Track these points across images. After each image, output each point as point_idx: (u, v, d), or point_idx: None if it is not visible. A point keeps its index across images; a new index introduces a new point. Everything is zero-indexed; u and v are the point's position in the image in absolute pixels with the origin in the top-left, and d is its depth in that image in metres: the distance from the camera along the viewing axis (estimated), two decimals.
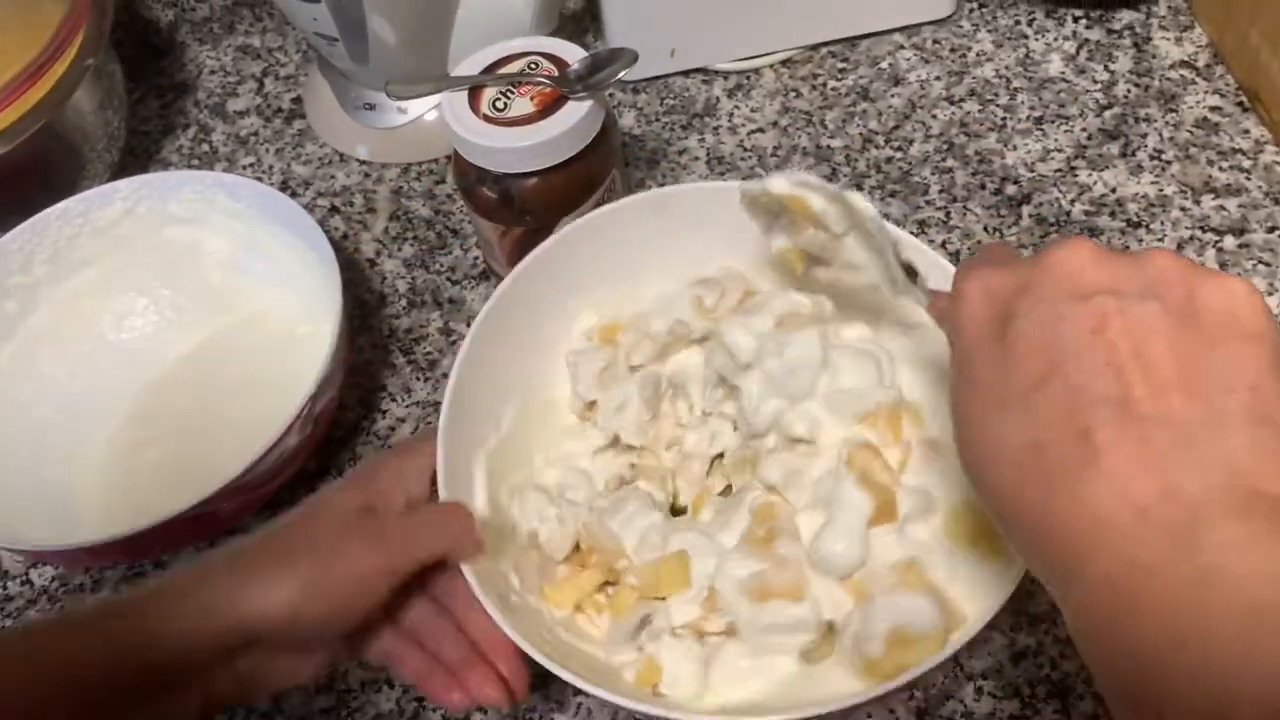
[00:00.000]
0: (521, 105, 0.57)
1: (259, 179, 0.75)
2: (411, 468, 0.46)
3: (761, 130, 0.73)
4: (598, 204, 0.60)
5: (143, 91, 0.82)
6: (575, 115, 0.56)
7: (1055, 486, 0.29)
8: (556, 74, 0.58)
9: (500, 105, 0.57)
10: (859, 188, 0.69)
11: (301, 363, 0.60)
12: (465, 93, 0.58)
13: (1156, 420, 0.28)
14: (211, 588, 0.41)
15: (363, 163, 0.75)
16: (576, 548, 0.50)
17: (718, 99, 0.75)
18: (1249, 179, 0.66)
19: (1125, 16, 0.75)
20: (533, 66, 0.58)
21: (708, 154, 0.72)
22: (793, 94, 0.74)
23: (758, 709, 0.44)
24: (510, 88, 0.58)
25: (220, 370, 0.65)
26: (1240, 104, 0.69)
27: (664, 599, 0.46)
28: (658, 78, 0.76)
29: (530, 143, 0.56)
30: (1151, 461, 0.28)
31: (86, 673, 0.39)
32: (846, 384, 0.46)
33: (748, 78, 0.76)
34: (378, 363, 0.65)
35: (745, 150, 0.72)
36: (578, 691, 0.52)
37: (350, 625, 0.43)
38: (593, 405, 0.54)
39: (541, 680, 0.53)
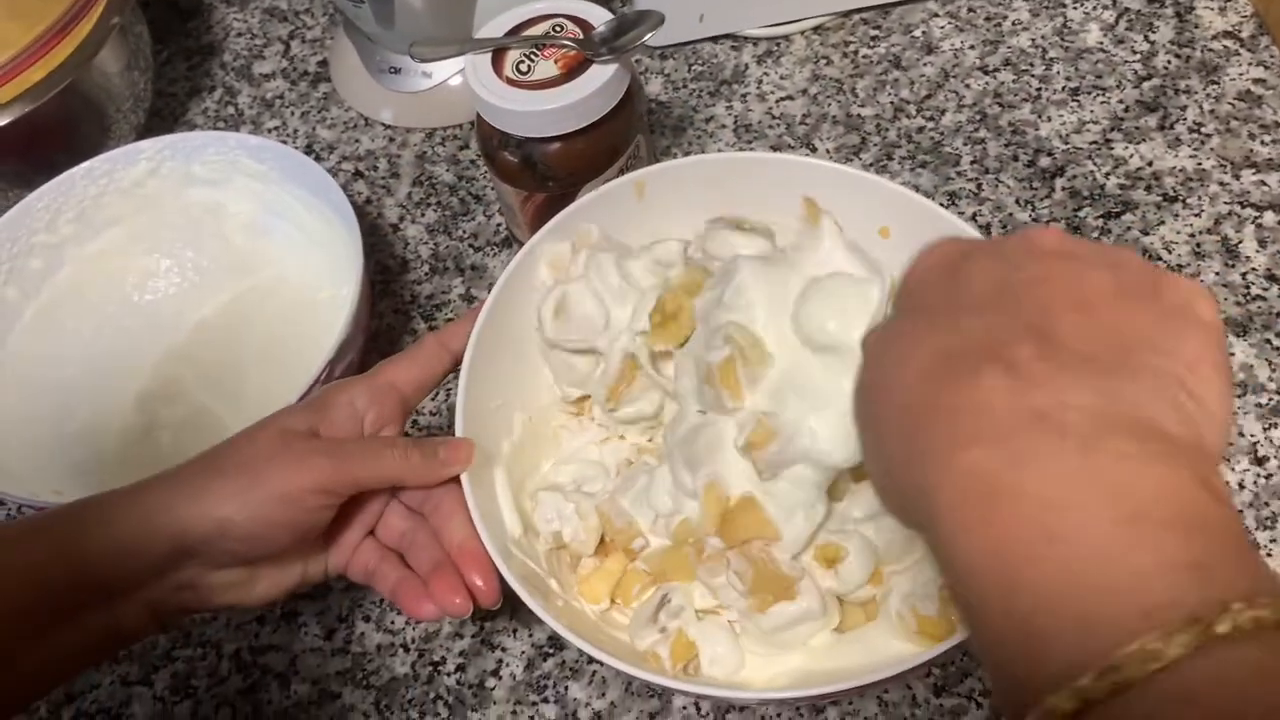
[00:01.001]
0: (546, 68, 0.56)
1: (283, 142, 0.74)
2: (362, 395, 0.46)
3: (790, 98, 0.72)
4: (621, 171, 0.59)
5: (170, 53, 0.82)
6: (599, 79, 0.55)
7: (953, 380, 0.28)
8: (581, 36, 0.57)
9: (524, 68, 0.56)
10: (889, 158, 0.67)
11: (322, 327, 0.60)
12: (489, 55, 0.57)
13: (1076, 355, 0.27)
14: (146, 499, 0.42)
15: (387, 127, 0.74)
16: (604, 541, 0.49)
17: (746, 66, 0.74)
18: None
19: None
20: (558, 29, 0.58)
21: (735, 122, 0.71)
22: (823, 61, 0.73)
23: (805, 680, 0.44)
24: (534, 50, 0.57)
25: (242, 332, 0.65)
26: None
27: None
28: (686, 44, 0.75)
29: (553, 106, 0.55)
30: (1058, 380, 0.27)
31: (6, 581, 0.39)
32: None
33: (778, 44, 0.74)
34: (399, 328, 0.65)
35: (774, 118, 0.71)
36: (591, 660, 0.52)
37: (282, 543, 0.43)
38: (582, 401, 0.53)
39: (556, 646, 0.53)
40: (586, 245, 0.53)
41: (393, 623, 0.55)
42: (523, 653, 0.54)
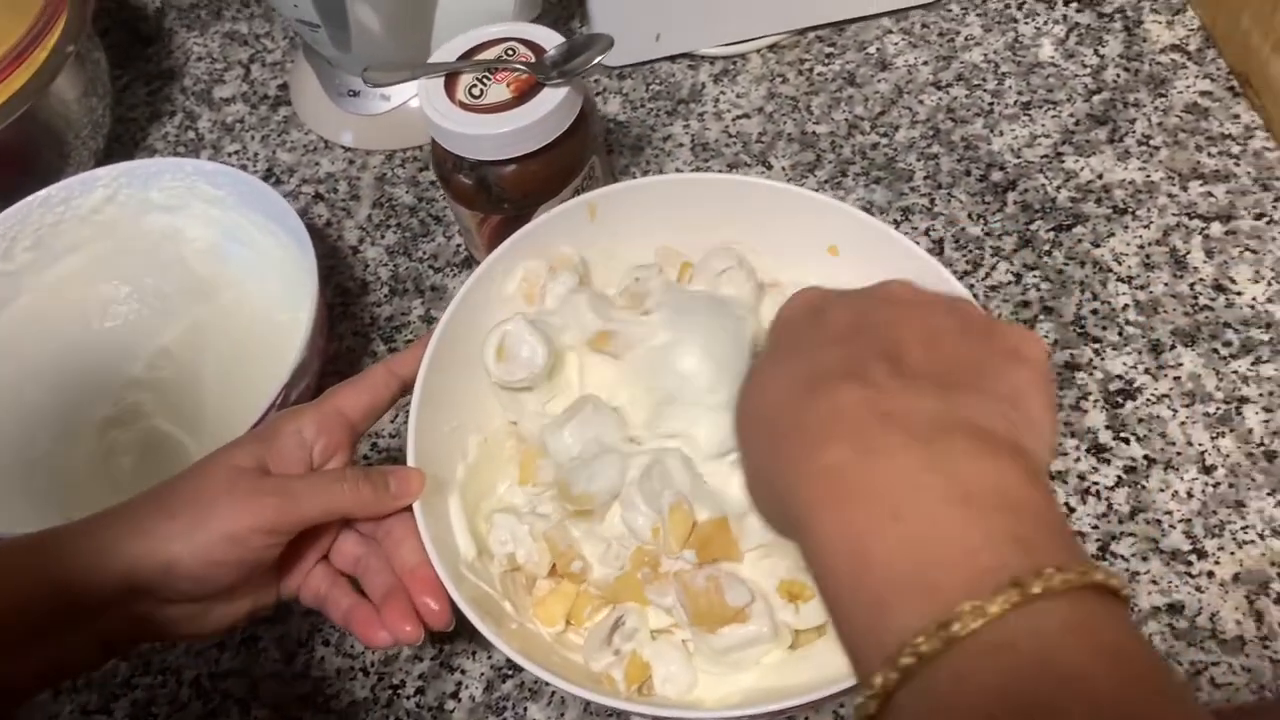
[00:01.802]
0: (498, 92, 0.57)
1: (244, 166, 0.75)
2: (310, 424, 0.46)
3: (747, 116, 0.72)
4: (577, 191, 0.60)
5: (129, 78, 0.82)
6: (551, 102, 0.56)
7: (812, 397, 0.31)
8: (533, 60, 0.57)
9: (476, 92, 0.57)
10: (844, 174, 0.68)
11: (280, 350, 0.60)
12: (442, 79, 0.58)
13: (921, 375, 0.31)
14: (97, 536, 0.42)
15: (347, 150, 0.75)
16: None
17: (704, 85, 0.74)
18: (1238, 165, 0.65)
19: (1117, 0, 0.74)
20: (510, 53, 0.58)
21: (692, 140, 0.72)
22: (779, 79, 0.74)
23: (758, 697, 0.44)
24: (487, 74, 0.57)
25: (201, 358, 0.65)
26: (1231, 89, 0.68)
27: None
28: (644, 63, 0.76)
29: (506, 129, 0.55)
30: (906, 392, 0.31)
31: None
32: None
33: (734, 63, 0.75)
34: (359, 350, 0.65)
35: (730, 137, 0.71)
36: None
37: (229, 581, 0.43)
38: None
39: (515, 668, 0.53)
40: (566, 268, 0.54)
41: (352, 646, 0.55)
42: (482, 674, 0.54)
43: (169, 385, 0.64)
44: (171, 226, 0.66)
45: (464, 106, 0.56)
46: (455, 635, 0.54)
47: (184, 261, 0.67)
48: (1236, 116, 0.67)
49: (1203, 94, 0.68)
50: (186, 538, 0.42)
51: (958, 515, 0.28)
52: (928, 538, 0.28)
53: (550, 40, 0.58)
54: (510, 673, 0.53)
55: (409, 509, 0.46)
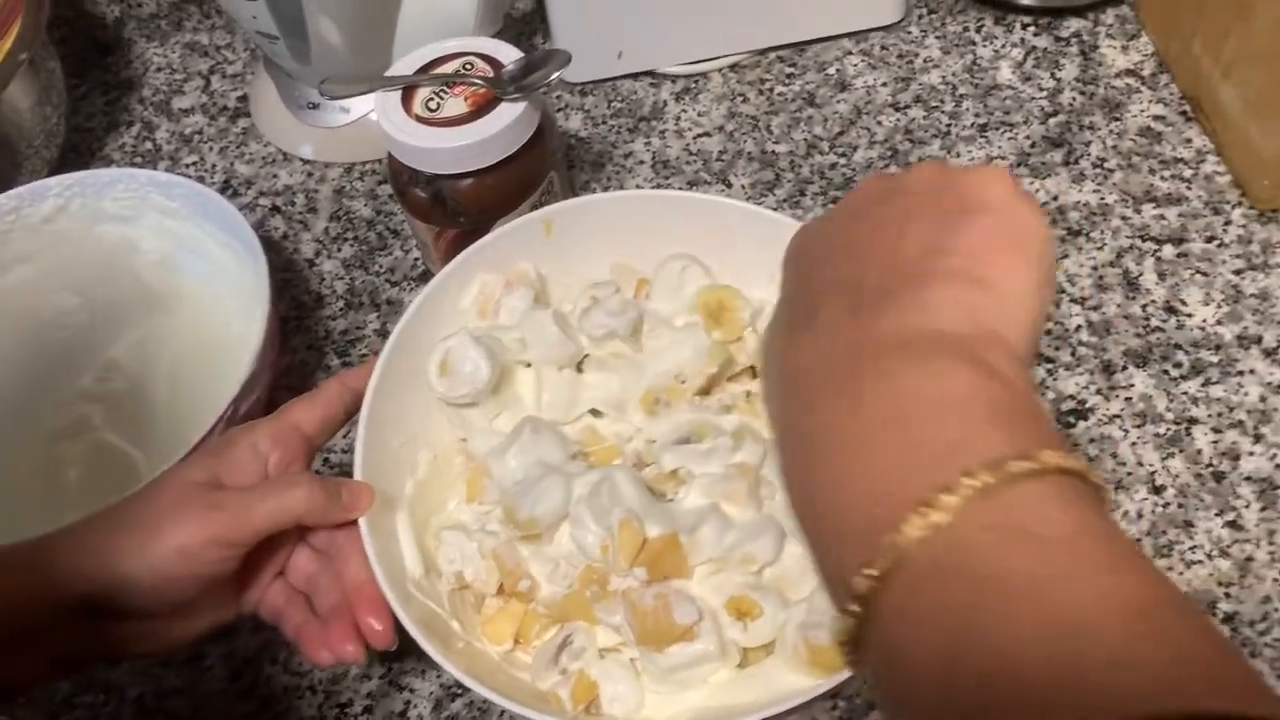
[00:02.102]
0: (455, 105, 0.56)
1: (201, 178, 0.74)
2: (265, 438, 0.46)
3: (708, 134, 0.72)
4: (535, 206, 0.60)
5: (87, 88, 0.81)
6: (508, 116, 0.56)
7: (782, 355, 0.33)
8: (491, 75, 0.57)
9: (433, 105, 0.57)
10: (802, 193, 0.68)
11: (232, 364, 0.59)
12: (399, 92, 0.57)
13: (868, 291, 0.32)
14: (51, 553, 0.42)
15: (306, 162, 0.74)
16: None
17: (665, 102, 0.74)
18: (1189, 188, 0.66)
19: (1073, 24, 0.75)
20: (468, 67, 0.58)
21: (653, 157, 0.72)
22: (740, 98, 0.74)
23: (705, 716, 0.44)
24: (444, 88, 0.57)
25: (152, 370, 0.64)
26: (1184, 113, 0.69)
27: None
28: (606, 80, 0.76)
29: (462, 143, 0.55)
30: (845, 323, 0.31)
31: None
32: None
33: (696, 81, 0.75)
34: (312, 364, 0.65)
35: (691, 154, 0.72)
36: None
37: (184, 595, 0.43)
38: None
39: (465, 686, 0.53)
40: (522, 283, 0.54)
41: (300, 664, 0.55)
42: (431, 694, 0.53)
43: (118, 397, 0.64)
44: (124, 237, 0.66)
45: (420, 120, 0.56)
46: (404, 654, 0.53)
47: (136, 273, 0.66)
48: (1189, 140, 0.68)
49: (1156, 118, 0.69)
50: (138, 554, 0.41)
51: (879, 447, 0.28)
52: (849, 483, 0.28)
53: (508, 55, 0.58)
54: (459, 692, 0.53)
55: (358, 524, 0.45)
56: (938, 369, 0.29)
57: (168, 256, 0.66)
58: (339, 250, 0.70)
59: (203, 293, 0.65)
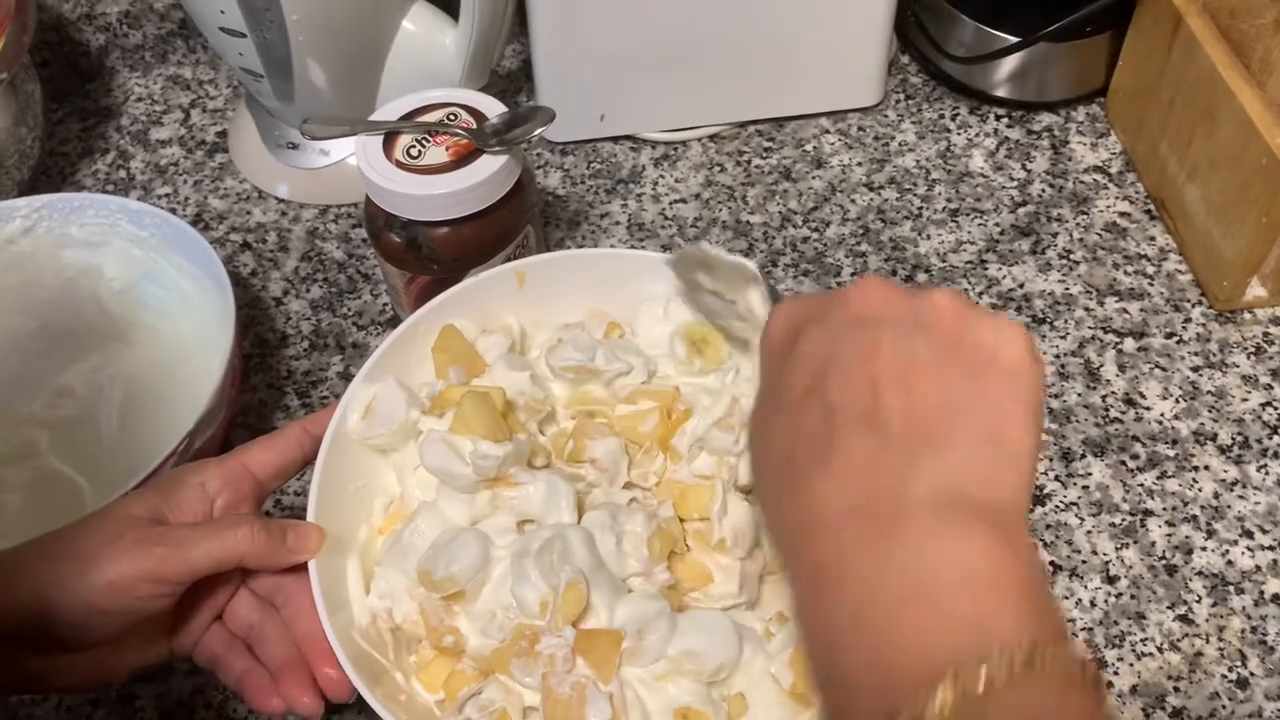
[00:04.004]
0: (436, 154, 0.57)
1: (173, 209, 0.74)
2: (214, 478, 0.45)
3: (684, 201, 0.73)
4: (509, 259, 0.60)
5: (65, 113, 0.81)
6: (488, 169, 0.56)
7: (796, 487, 0.32)
8: (474, 126, 0.58)
9: (414, 153, 0.57)
10: (774, 264, 0.69)
11: (188, 398, 0.59)
12: (381, 138, 0.58)
13: (891, 436, 0.31)
14: None
15: (281, 201, 0.74)
16: None
17: (644, 167, 0.75)
18: (1152, 284, 0.67)
19: (1045, 119, 0.76)
20: (452, 117, 0.58)
21: (629, 220, 0.72)
22: (717, 168, 0.75)
23: None
24: (426, 136, 0.57)
25: (106, 398, 0.63)
26: (1149, 212, 0.71)
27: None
28: (587, 141, 0.77)
29: (440, 191, 0.55)
30: (871, 470, 0.31)
31: None
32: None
33: (675, 149, 0.76)
34: (271, 404, 0.64)
35: (666, 219, 0.72)
36: None
37: (111, 631, 0.42)
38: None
39: None
40: (499, 329, 0.54)
41: (235, 710, 0.53)
42: None
43: (68, 424, 0.62)
44: (89, 263, 0.65)
45: (400, 165, 0.56)
46: (344, 705, 0.52)
47: (99, 300, 0.65)
48: (1152, 238, 0.69)
49: (1122, 214, 0.71)
50: (70, 585, 0.41)
51: (912, 614, 0.28)
52: (882, 639, 0.28)
53: (493, 109, 0.59)
54: None
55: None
56: (967, 537, 0.29)
57: (132, 285, 0.65)
58: (308, 291, 0.69)
59: (164, 324, 0.64)
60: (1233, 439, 0.60)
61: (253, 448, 0.47)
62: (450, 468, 0.46)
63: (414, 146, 0.57)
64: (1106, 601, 0.55)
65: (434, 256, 0.58)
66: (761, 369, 0.38)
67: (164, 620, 0.45)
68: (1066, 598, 0.55)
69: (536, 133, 0.57)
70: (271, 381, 0.65)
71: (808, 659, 0.31)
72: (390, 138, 0.57)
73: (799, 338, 0.35)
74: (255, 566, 0.45)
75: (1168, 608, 0.54)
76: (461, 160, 0.56)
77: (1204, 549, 0.56)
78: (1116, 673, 0.52)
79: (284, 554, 0.44)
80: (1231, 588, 0.55)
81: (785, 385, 0.35)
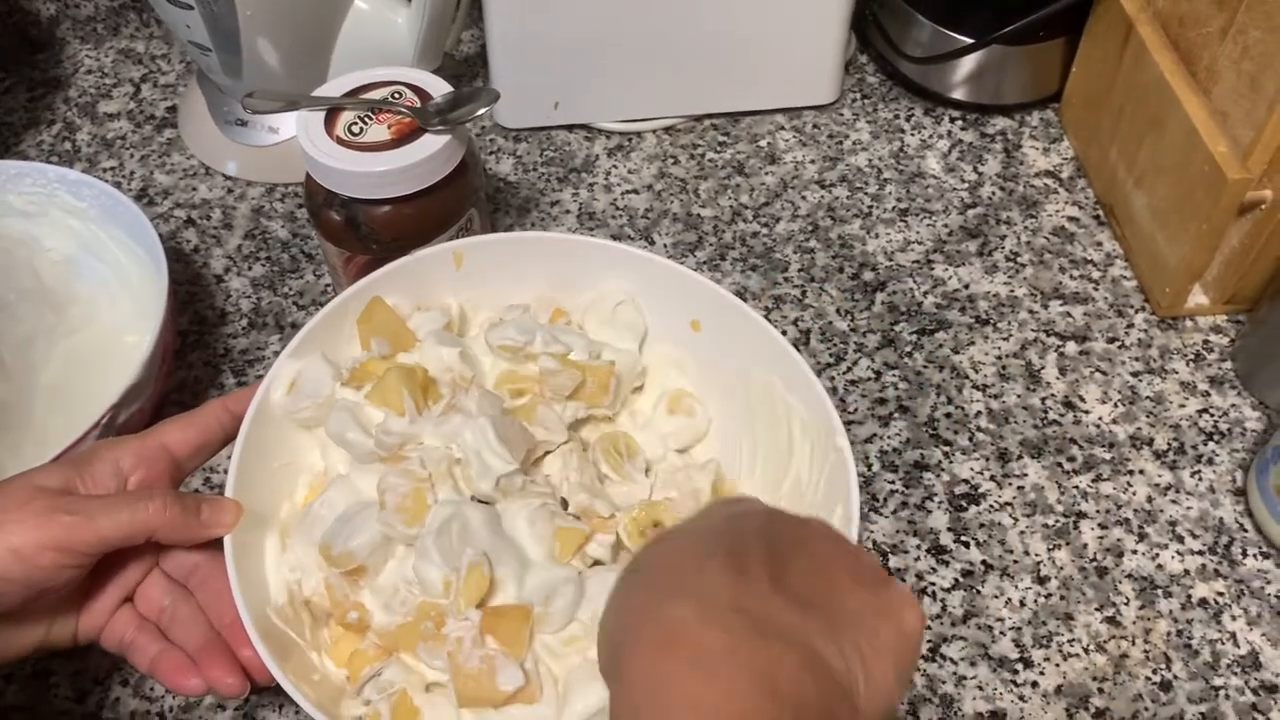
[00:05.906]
0: (378, 132, 0.56)
1: (119, 183, 0.73)
2: (129, 454, 0.44)
3: (636, 192, 0.73)
4: (450, 240, 0.59)
5: (12, 82, 0.79)
6: (430, 148, 0.55)
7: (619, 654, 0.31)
8: (417, 105, 0.57)
9: (356, 129, 0.56)
10: (722, 258, 0.69)
11: (119, 372, 0.58)
12: (323, 114, 0.57)
13: (794, 587, 0.31)
14: None
15: (228, 178, 0.73)
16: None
17: (597, 156, 0.75)
18: (1096, 289, 0.67)
19: (1000, 122, 0.77)
20: (396, 95, 0.58)
21: (580, 208, 0.72)
22: (671, 160, 0.75)
23: None
24: (369, 113, 0.57)
25: (35, 370, 0.61)
26: (1097, 217, 0.71)
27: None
28: (541, 129, 0.76)
29: (380, 169, 0.55)
30: (770, 595, 0.30)
31: None
32: None
33: (629, 140, 0.76)
34: (206, 381, 0.63)
35: (618, 209, 0.72)
36: None
37: (11, 601, 0.41)
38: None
39: None
40: (436, 307, 0.53)
41: (152, 689, 0.52)
42: None
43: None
44: (28, 234, 0.64)
45: (341, 142, 0.56)
46: (266, 687, 0.51)
47: (35, 271, 0.64)
48: (1099, 244, 0.70)
49: (1070, 219, 0.71)
50: None
51: None
52: None
53: (438, 88, 0.58)
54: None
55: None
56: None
57: (70, 257, 0.64)
58: (249, 269, 0.68)
59: (100, 297, 0.63)
60: (1168, 444, 0.60)
61: (171, 425, 0.46)
62: (351, 436, 0.46)
63: (356, 124, 0.56)
64: (1036, 602, 0.55)
65: (373, 236, 0.57)
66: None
67: (72, 598, 0.44)
68: (996, 596, 0.55)
69: (480, 112, 0.56)
70: (208, 359, 0.64)
71: None
72: (333, 114, 0.57)
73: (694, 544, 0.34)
74: (168, 541, 0.44)
75: (1096, 609, 0.54)
76: (403, 139, 0.56)
77: (1135, 552, 0.56)
78: (1042, 672, 0.52)
79: (198, 528, 0.43)
80: (1160, 591, 0.55)
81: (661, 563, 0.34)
